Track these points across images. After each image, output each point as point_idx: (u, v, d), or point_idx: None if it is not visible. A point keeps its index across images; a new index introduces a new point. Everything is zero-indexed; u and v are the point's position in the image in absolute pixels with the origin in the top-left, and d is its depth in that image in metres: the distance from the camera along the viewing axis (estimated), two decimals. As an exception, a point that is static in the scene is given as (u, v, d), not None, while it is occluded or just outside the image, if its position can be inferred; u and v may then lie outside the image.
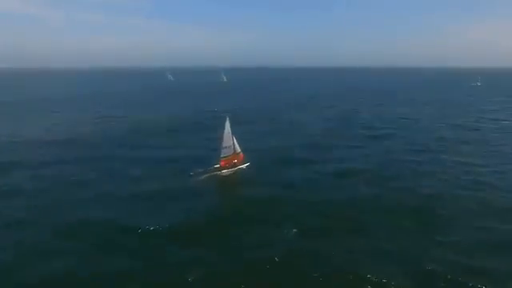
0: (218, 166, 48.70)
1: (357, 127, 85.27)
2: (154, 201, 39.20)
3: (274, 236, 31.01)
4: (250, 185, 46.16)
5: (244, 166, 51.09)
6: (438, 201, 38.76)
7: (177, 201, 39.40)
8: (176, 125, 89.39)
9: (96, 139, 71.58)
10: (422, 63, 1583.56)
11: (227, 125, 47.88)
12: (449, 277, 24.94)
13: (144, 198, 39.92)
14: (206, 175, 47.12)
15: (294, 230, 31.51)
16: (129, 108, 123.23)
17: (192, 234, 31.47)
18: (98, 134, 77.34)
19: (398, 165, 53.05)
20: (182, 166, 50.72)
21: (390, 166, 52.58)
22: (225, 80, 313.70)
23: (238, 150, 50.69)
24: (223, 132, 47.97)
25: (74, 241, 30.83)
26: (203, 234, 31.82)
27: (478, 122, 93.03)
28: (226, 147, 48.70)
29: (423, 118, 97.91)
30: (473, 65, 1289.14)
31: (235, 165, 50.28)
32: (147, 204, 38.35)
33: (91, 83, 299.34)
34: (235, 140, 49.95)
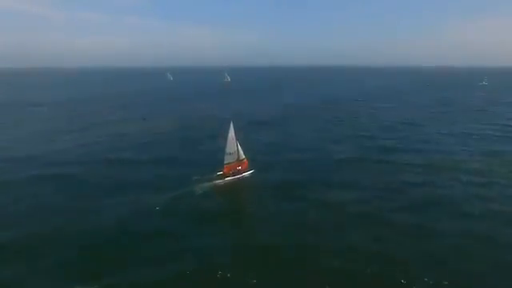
0: (221, 172, 46.51)
1: (361, 137, 76.29)
2: (138, 240, 32.67)
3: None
4: (250, 214, 40.14)
5: (248, 173, 48.80)
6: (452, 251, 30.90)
7: (169, 237, 33.43)
8: (174, 129, 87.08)
9: (76, 152, 64.07)
10: (421, 62, 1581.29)
11: (231, 130, 45.42)
12: None
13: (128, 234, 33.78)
14: (209, 183, 44.83)
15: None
16: (124, 111, 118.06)
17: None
18: (80, 145, 68.72)
19: (403, 191, 45.09)
20: (183, 175, 48.10)
21: (397, 193, 44.55)
22: (228, 80, 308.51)
23: (242, 156, 48.34)
24: (227, 137, 45.65)
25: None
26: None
27: (490, 129, 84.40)
28: (229, 153, 46.33)
29: (431, 125, 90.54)
30: (472, 64, 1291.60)
31: (239, 172, 47.98)
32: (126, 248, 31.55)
33: (89, 84, 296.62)
34: (239, 146, 47.62)
